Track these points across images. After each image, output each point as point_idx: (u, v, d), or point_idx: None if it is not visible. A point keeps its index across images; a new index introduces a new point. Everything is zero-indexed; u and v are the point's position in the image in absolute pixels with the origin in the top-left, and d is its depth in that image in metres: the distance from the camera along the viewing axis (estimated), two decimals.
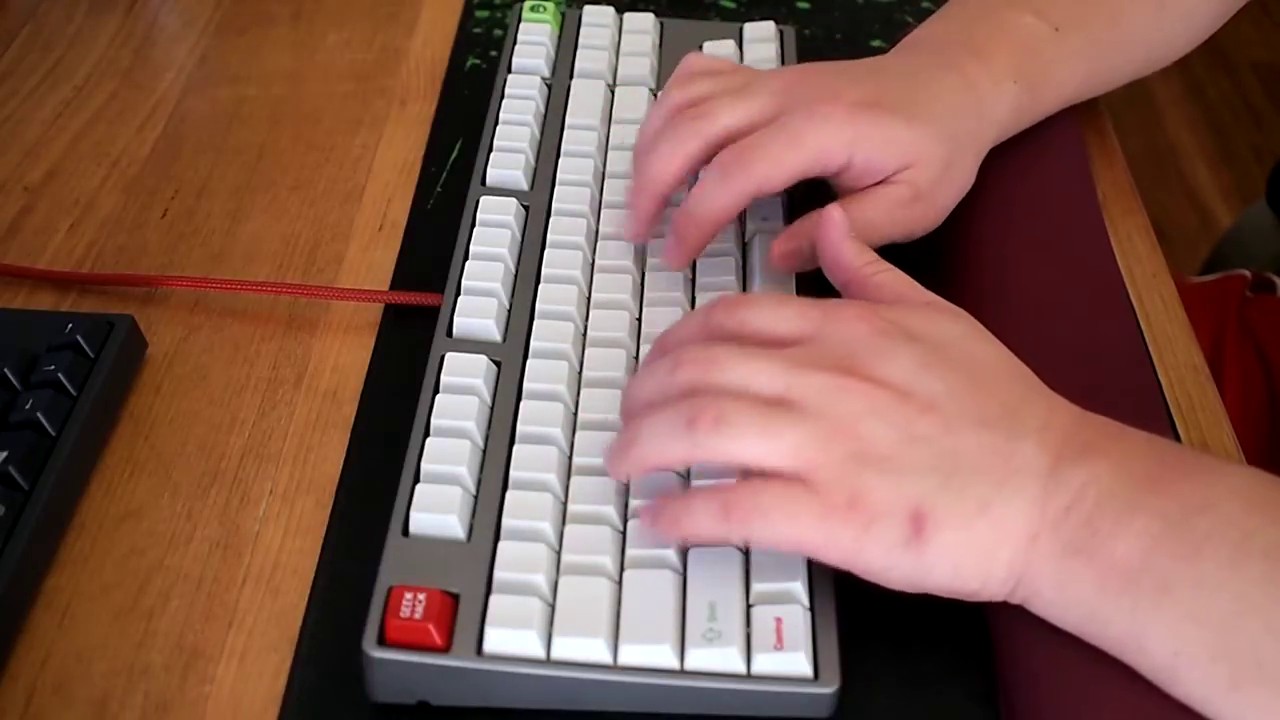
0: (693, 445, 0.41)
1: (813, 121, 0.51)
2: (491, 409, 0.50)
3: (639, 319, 0.53)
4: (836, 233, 0.48)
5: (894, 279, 0.47)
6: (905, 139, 0.52)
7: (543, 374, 0.50)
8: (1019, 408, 0.43)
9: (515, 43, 0.66)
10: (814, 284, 0.52)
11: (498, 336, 0.52)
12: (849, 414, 0.41)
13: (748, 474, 0.42)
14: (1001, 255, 0.56)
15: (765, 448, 0.41)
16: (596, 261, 0.55)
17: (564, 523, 0.46)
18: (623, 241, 0.56)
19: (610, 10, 0.68)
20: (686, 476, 0.47)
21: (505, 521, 0.45)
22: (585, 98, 0.63)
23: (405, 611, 0.42)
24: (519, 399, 0.50)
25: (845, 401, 0.41)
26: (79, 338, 0.53)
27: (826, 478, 0.41)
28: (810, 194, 0.55)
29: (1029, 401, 0.43)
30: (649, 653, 0.42)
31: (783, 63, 0.65)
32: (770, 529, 0.41)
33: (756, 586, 0.44)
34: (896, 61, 0.57)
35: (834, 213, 0.48)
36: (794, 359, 0.42)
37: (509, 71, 0.65)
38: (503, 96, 0.63)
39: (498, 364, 0.51)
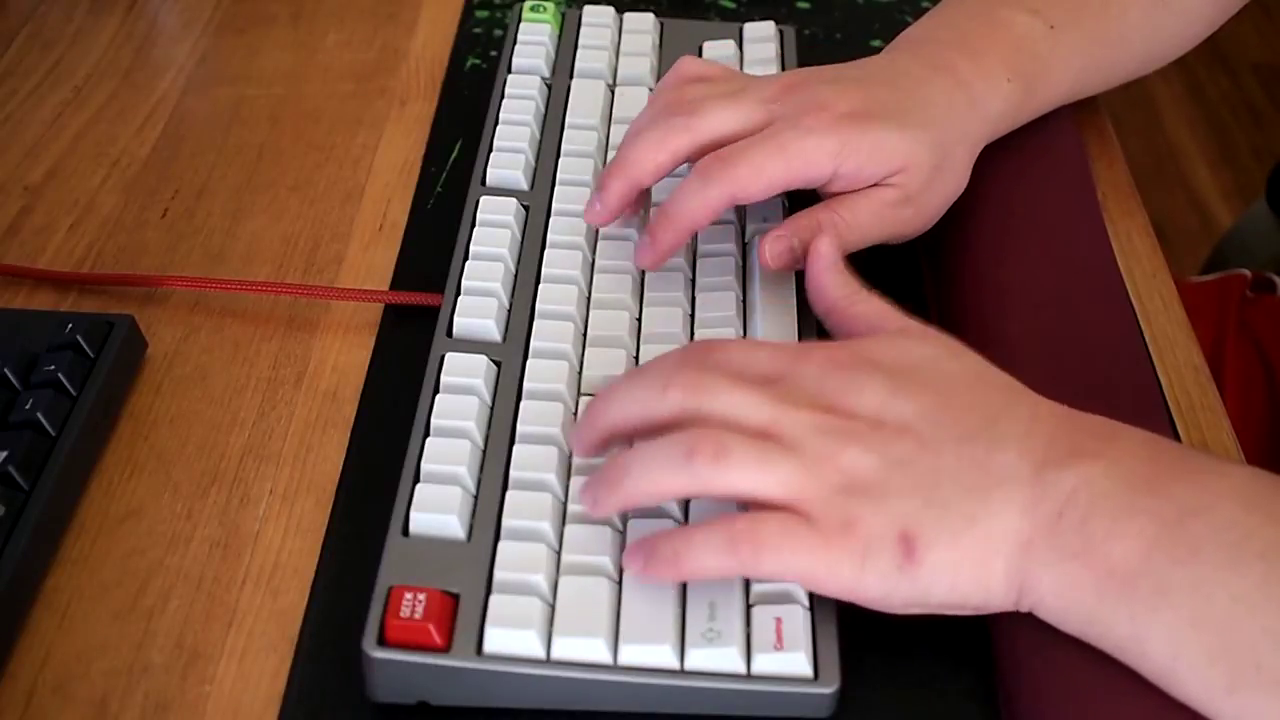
0: (692, 477, 0.41)
1: (797, 132, 0.51)
2: (491, 409, 0.50)
3: (639, 319, 0.53)
4: (821, 263, 0.49)
5: (871, 309, 0.47)
6: (894, 145, 0.52)
7: (543, 374, 0.50)
8: (999, 417, 0.43)
9: (515, 43, 0.66)
10: None
11: (498, 336, 0.52)
12: (830, 447, 0.42)
13: (745, 507, 0.43)
14: (1001, 255, 0.56)
15: (762, 479, 0.41)
16: (596, 261, 0.55)
17: (564, 523, 0.46)
18: (623, 241, 0.56)
19: (610, 10, 0.68)
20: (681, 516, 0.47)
21: (505, 521, 0.45)
22: (585, 98, 0.63)
23: (405, 611, 0.42)
24: (519, 399, 0.50)
25: (825, 435, 0.42)
26: (79, 338, 0.53)
27: (819, 509, 0.41)
28: (807, 193, 0.55)
29: (1010, 409, 0.43)
30: (649, 653, 0.42)
31: (782, 62, 0.65)
32: (779, 560, 0.41)
33: (756, 586, 0.44)
34: (887, 65, 0.56)
35: (821, 244, 0.49)
36: (776, 395, 0.43)
37: (509, 71, 0.65)
38: (503, 96, 0.63)
39: (498, 364, 0.51)
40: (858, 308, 0.48)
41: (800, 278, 0.54)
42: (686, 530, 0.43)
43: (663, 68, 0.66)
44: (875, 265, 0.53)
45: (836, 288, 0.48)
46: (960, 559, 0.41)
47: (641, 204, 0.55)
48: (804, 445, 0.42)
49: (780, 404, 0.42)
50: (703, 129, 0.52)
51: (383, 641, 0.42)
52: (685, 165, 0.53)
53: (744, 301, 0.54)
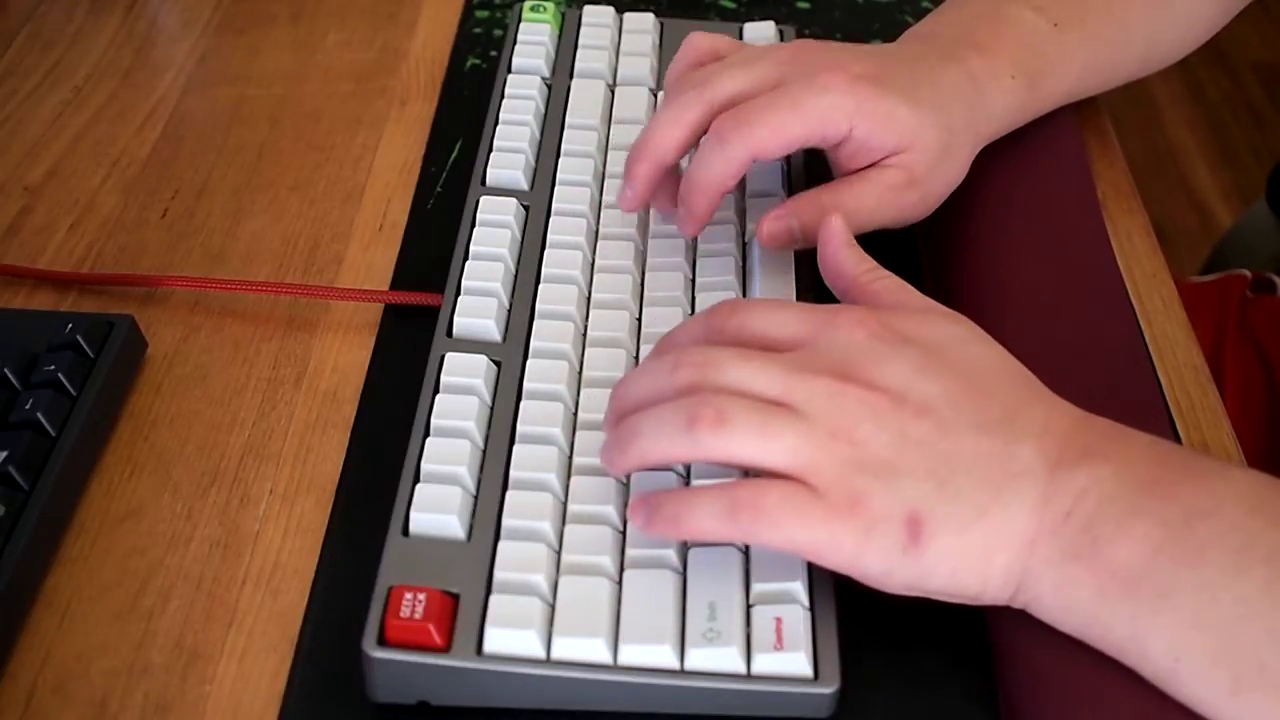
0: (693, 444, 0.41)
1: (814, 89, 0.51)
2: (491, 409, 0.50)
3: (639, 319, 0.53)
4: (836, 240, 0.48)
5: (892, 285, 0.47)
6: (905, 118, 0.52)
7: (543, 374, 0.50)
8: (1018, 411, 0.43)
9: (515, 43, 0.66)
10: (815, 278, 0.52)
11: (498, 336, 0.52)
12: (845, 418, 0.41)
13: (747, 474, 0.42)
14: (1001, 255, 0.56)
15: (764, 447, 0.41)
16: (596, 261, 0.55)
17: (564, 523, 0.46)
18: (623, 241, 0.56)
19: (610, 10, 0.68)
20: (685, 474, 0.47)
21: (505, 521, 0.45)
22: (585, 98, 0.63)
23: (405, 611, 0.42)
24: (519, 399, 0.50)
25: (841, 406, 0.41)
26: (79, 338, 0.53)
27: (826, 481, 0.41)
28: (809, 177, 0.55)
29: (1028, 405, 0.43)
30: (649, 653, 0.42)
31: None
32: (778, 531, 0.41)
33: (756, 586, 0.44)
34: (898, 49, 0.57)
35: (834, 221, 0.48)
36: (792, 363, 0.42)
37: (509, 71, 0.65)
38: (503, 96, 0.63)
39: (498, 364, 0.51)
40: (877, 284, 0.47)
41: (799, 278, 0.54)
42: (690, 492, 0.43)
43: (663, 68, 0.66)
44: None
45: (854, 263, 0.47)
46: (965, 549, 0.41)
47: (673, 185, 0.54)
48: (818, 415, 0.41)
49: (796, 372, 0.42)
50: (715, 96, 0.52)
51: (383, 641, 0.42)
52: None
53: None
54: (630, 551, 0.45)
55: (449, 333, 0.52)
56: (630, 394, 0.44)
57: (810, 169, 0.58)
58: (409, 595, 0.43)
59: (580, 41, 0.67)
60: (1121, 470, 0.41)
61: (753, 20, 0.68)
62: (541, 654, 0.42)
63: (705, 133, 0.52)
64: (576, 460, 0.48)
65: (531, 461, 0.47)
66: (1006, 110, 0.57)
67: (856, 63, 0.52)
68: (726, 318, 0.45)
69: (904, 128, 0.52)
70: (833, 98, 0.50)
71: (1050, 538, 0.41)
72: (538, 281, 0.54)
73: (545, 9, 0.68)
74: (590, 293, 0.54)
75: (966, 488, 0.41)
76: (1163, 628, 0.39)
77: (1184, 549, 0.39)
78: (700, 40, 0.56)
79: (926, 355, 0.43)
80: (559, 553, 0.45)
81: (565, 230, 0.56)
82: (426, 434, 0.48)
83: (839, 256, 0.48)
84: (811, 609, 0.44)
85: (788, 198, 0.55)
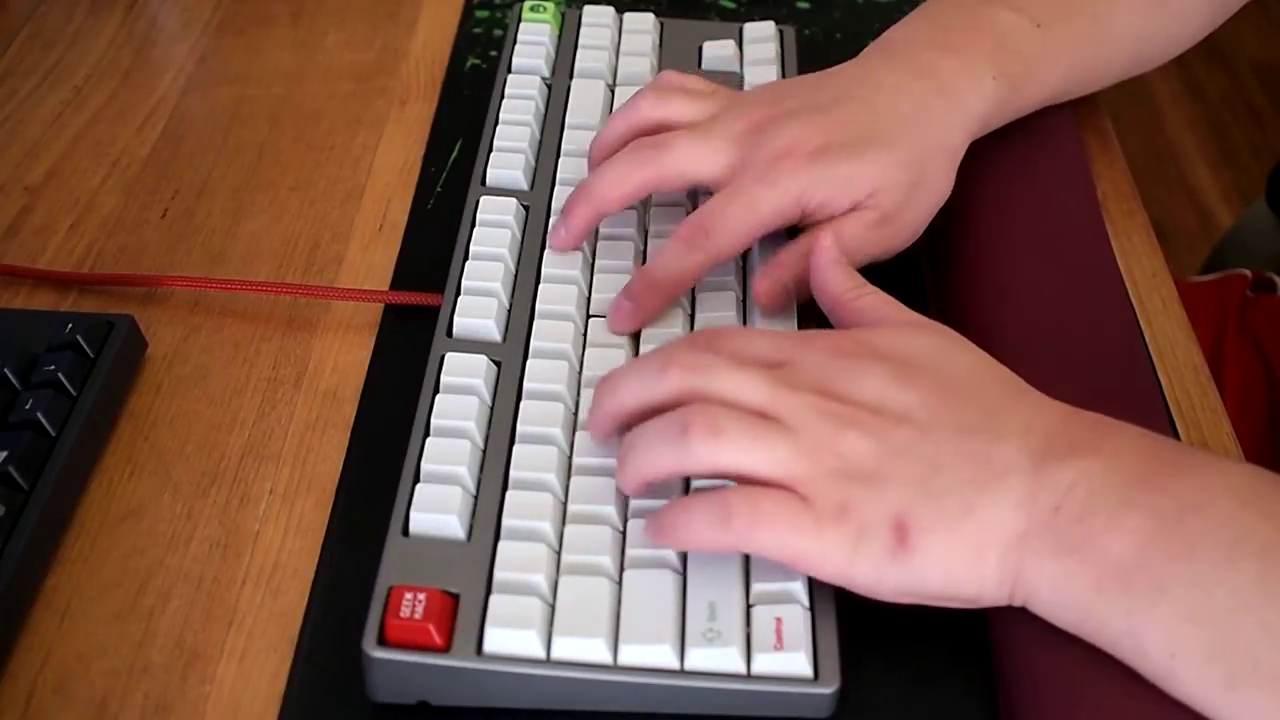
0: (687, 454, 0.42)
1: (764, 185, 0.51)
2: (491, 409, 0.50)
3: None
4: (825, 259, 0.49)
5: (876, 301, 0.48)
6: (860, 174, 0.52)
7: (543, 374, 0.50)
8: (999, 411, 0.43)
9: (515, 43, 0.66)
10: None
11: (498, 336, 0.52)
12: (827, 431, 0.42)
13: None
14: (1001, 255, 0.56)
15: (756, 458, 0.42)
16: (596, 261, 0.55)
17: (564, 523, 0.46)
18: (623, 242, 0.56)
19: (610, 10, 0.68)
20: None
21: (505, 521, 0.46)
22: (585, 98, 0.63)
23: (405, 611, 0.42)
24: (519, 399, 0.50)
25: (822, 420, 0.42)
26: (79, 338, 0.53)
27: (815, 491, 0.41)
28: None
29: (1010, 405, 0.44)
30: (649, 653, 0.42)
31: (782, 62, 0.65)
32: (773, 534, 0.41)
33: (756, 586, 0.44)
34: (861, 77, 0.56)
35: (824, 239, 0.50)
36: (776, 378, 0.43)
37: (509, 71, 0.65)
38: (503, 96, 0.63)
39: (498, 364, 0.51)
40: (862, 301, 0.48)
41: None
42: (685, 500, 0.43)
43: (662, 68, 0.66)
44: (875, 265, 0.53)
45: (840, 281, 0.49)
46: (955, 548, 0.41)
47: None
48: (802, 428, 0.42)
49: (780, 387, 0.43)
50: (670, 166, 0.53)
51: (383, 641, 0.42)
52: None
53: (744, 301, 0.54)
54: (630, 551, 0.45)
55: (449, 333, 0.52)
56: (622, 393, 0.45)
57: None
58: (409, 595, 0.43)
59: (580, 41, 0.67)
60: (1111, 464, 0.41)
61: (753, 20, 0.68)
62: (541, 654, 0.42)
63: (650, 192, 0.54)
64: (576, 460, 0.48)
65: (531, 461, 0.47)
66: (989, 111, 0.56)
67: (807, 137, 0.52)
68: (706, 342, 0.46)
69: (859, 183, 0.52)
70: (782, 187, 0.51)
71: (1042, 531, 0.41)
72: (538, 281, 0.54)
73: (545, 9, 0.68)
74: (590, 293, 0.54)
75: (951, 488, 0.41)
76: (1159, 621, 0.39)
77: (1176, 542, 0.40)
78: (671, 79, 0.57)
79: (900, 366, 0.44)
80: (559, 553, 0.45)
81: None
82: (426, 434, 0.48)
83: (826, 275, 0.49)
84: (811, 609, 0.44)
85: (777, 251, 0.54)
